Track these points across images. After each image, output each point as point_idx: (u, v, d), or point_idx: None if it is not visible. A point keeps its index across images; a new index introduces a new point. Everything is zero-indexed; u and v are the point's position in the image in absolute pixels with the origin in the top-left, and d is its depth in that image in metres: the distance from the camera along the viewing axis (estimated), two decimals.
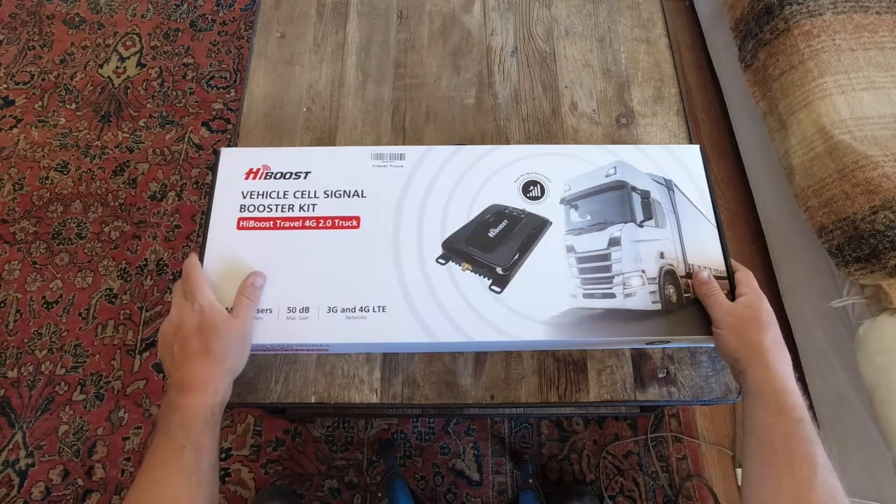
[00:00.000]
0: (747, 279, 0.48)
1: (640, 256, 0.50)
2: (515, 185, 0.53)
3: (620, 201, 0.53)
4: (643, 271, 0.50)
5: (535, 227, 0.51)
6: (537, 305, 0.48)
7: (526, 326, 0.47)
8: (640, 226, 0.51)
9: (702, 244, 0.51)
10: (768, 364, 0.42)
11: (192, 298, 0.44)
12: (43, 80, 1.29)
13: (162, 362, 0.44)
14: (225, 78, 1.32)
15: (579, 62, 0.68)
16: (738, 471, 0.99)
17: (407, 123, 0.64)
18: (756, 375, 0.42)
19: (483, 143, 0.62)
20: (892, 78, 0.82)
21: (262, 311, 0.48)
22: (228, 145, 0.58)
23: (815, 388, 0.98)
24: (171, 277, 1.11)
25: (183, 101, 1.28)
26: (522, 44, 0.69)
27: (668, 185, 0.54)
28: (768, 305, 0.46)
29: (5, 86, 1.28)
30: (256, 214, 0.51)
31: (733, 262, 0.50)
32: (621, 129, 0.64)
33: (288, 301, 0.48)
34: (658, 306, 0.48)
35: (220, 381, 0.42)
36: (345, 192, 0.52)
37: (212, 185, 0.53)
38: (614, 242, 0.51)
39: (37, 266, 1.11)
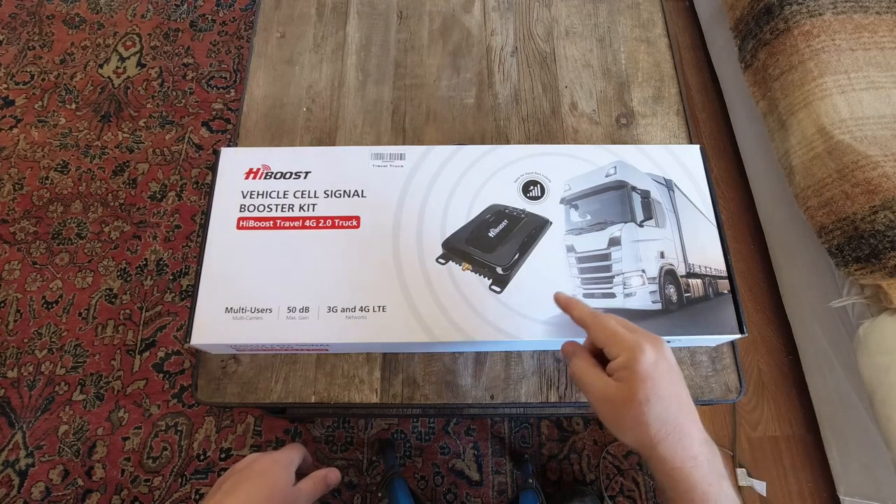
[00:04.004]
0: (607, 329, 0.35)
1: (640, 256, 0.50)
2: (515, 185, 0.53)
3: (620, 201, 0.53)
4: (643, 271, 0.50)
5: (535, 227, 0.51)
6: (537, 305, 0.48)
7: (526, 326, 0.47)
8: (641, 226, 0.51)
9: (702, 244, 0.51)
10: (662, 457, 0.32)
11: (279, 452, 0.41)
12: (43, 80, 1.29)
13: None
14: (225, 78, 1.32)
15: (579, 62, 0.68)
16: (739, 471, 0.99)
17: (407, 123, 0.64)
18: (654, 468, 0.33)
19: (483, 143, 0.62)
20: (892, 78, 0.82)
21: (262, 310, 0.48)
22: (228, 145, 0.58)
23: (815, 388, 0.98)
24: (170, 277, 1.11)
25: (183, 101, 1.28)
26: (522, 44, 0.69)
27: (668, 185, 0.54)
28: (650, 365, 0.32)
29: (5, 86, 1.28)
30: (256, 214, 0.51)
31: (597, 317, 0.37)
32: (621, 129, 0.64)
33: (288, 301, 0.48)
34: (658, 306, 0.48)
35: None
36: (345, 191, 0.52)
37: (212, 185, 0.52)
38: (614, 242, 0.51)
39: (37, 266, 1.11)
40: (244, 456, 0.39)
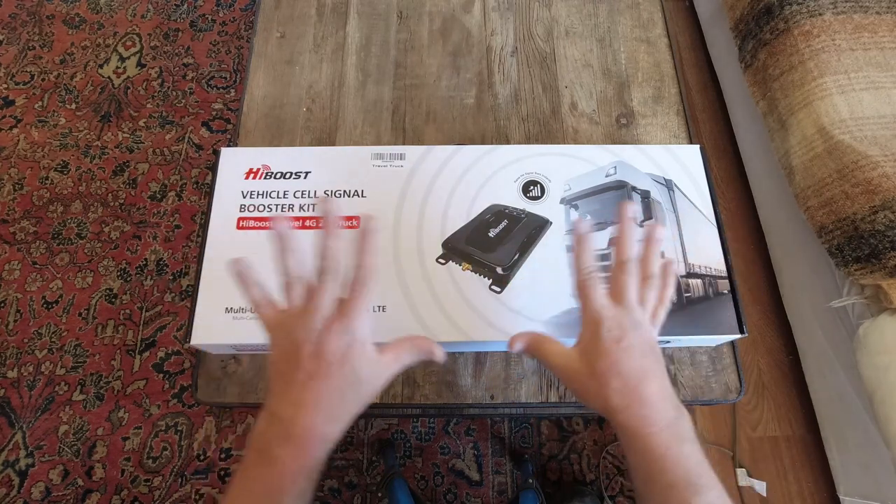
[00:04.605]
0: (584, 296, 0.36)
1: (640, 256, 0.50)
2: (515, 185, 0.53)
3: (620, 201, 0.52)
4: None
5: (535, 227, 0.51)
6: (537, 305, 0.48)
7: (526, 326, 0.47)
8: (641, 226, 0.51)
9: (702, 244, 0.51)
10: (621, 426, 0.33)
11: (347, 319, 0.33)
12: (43, 80, 1.29)
13: (270, 372, 0.35)
14: (225, 78, 1.32)
15: (579, 62, 0.68)
16: (739, 471, 0.99)
17: (407, 123, 0.64)
18: (617, 436, 0.35)
19: (483, 143, 0.62)
20: (892, 78, 0.82)
21: None
22: (228, 145, 0.58)
23: (815, 388, 0.98)
24: (170, 277, 1.11)
25: (183, 101, 1.28)
26: (522, 44, 0.69)
27: (668, 185, 0.53)
28: (612, 342, 0.34)
29: (5, 86, 1.28)
30: (256, 214, 0.51)
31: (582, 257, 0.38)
32: (621, 129, 0.64)
33: None
34: None
35: (332, 440, 0.33)
36: (345, 192, 0.52)
37: (212, 185, 0.52)
38: (615, 242, 0.51)
39: (37, 266, 1.11)
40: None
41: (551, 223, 0.52)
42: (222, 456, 0.98)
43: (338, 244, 0.35)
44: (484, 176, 0.54)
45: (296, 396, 0.33)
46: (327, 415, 0.33)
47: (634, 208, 0.38)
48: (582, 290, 0.37)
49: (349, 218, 0.51)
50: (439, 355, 0.37)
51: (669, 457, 0.32)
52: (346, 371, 0.33)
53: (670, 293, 0.39)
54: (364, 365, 0.34)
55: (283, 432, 0.32)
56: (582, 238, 0.38)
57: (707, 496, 0.31)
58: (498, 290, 0.49)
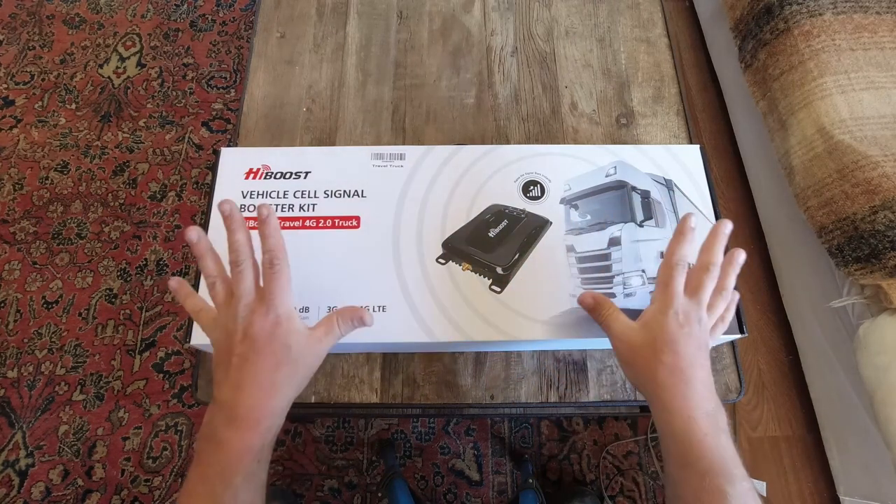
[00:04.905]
0: (667, 279, 0.38)
1: (640, 256, 0.50)
2: (515, 185, 0.53)
3: (620, 201, 0.52)
4: (643, 271, 0.50)
5: (535, 227, 0.51)
6: (537, 305, 0.48)
7: (526, 326, 0.47)
8: (641, 225, 0.51)
9: (702, 244, 0.51)
10: (664, 404, 0.34)
11: (267, 300, 0.35)
12: (43, 80, 1.29)
13: (213, 367, 0.37)
14: (225, 78, 1.32)
15: (579, 62, 0.68)
16: None
17: (407, 123, 0.64)
18: (656, 417, 0.36)
19: (483, 143, 0.62)
20: (892, 78, 0.82)
21: None
22: (228, 145, 0.58)
23: (815, 388, 0.98)
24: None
25: (183, 101, 1.28)
26: (522, 44, 0.69)
27: (668, 185, 0.53)
28: (675, 325, 0.36)
29: (5, 86, 1.28)
30: (256, 214, 0.51)
31: (672, 247, 0.40)
32: (621, 129, 0.64)
33: None
34: None
35: (276, 416, 0.35)
36: (345, 191, 0.52)
37: (212, 185, 0.52)
38: (614, 242, 0.51)
39: (37, 266, 1.11)
40: None
41: (551, 223, 0.52)
42: None
43: (244, 237, 0.37)
44: (484, 176, 0.54)
45: (233, 380, 0.34)
46: (266, 391, 0.35)
47: (729, 227, 0.40)
48: (667, 272, 0.38)
49: (349, 218, 0.51)
50: (368, 321, 0.39)
51: (708, 444, 0.33)
52: (277, 346, 0.35)
53: (731, 317, 0.42)
54: (294, 339, 0.36)
55: (226, 416, 0.34)
56: (687, 232, 0.40)
57: (740, 486, 0.32)
58: (498, 290, 0.49)
